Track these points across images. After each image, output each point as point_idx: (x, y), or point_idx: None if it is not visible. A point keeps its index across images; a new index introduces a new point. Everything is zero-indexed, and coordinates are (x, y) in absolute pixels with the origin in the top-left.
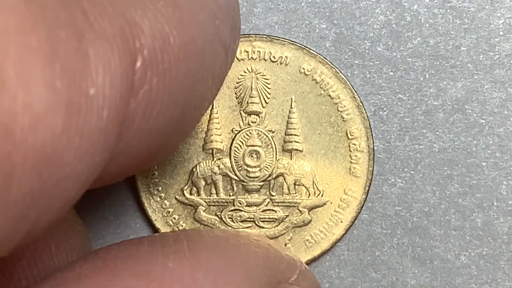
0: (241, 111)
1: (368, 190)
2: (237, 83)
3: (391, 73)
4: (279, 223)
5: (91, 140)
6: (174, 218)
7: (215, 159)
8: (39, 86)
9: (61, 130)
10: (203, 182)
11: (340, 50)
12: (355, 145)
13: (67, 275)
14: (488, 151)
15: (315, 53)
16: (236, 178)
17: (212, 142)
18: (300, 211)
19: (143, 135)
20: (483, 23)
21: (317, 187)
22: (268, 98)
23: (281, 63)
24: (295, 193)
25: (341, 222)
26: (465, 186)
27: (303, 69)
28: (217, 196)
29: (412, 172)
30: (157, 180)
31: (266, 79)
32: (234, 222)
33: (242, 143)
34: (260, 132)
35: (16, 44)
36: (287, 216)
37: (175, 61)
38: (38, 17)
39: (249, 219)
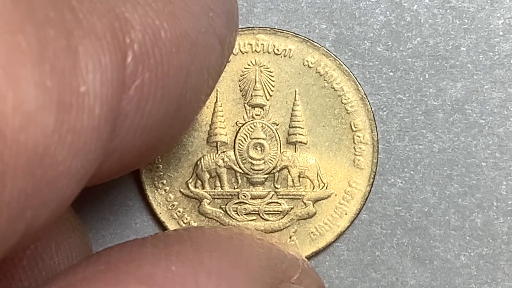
0: (245, 104)
1: (373, 182)
2: (241, 76)
3: (391, 73)
4: (284, 216)
5: (84, 137)
6: (179, 211)
7: (219, 152)
8: (29, 86)
9: (53, 128)
10: (207, 175)
11: (340, 50)
12: (359, 137)
13: (70, 278)
14: (487, 151)
15: (319, 46)
16: (240, 171)
17: (216, 135)
18: (305, 204)
19: (138, 130)
20: (482, 24)
21: (321, 180)
22: (272, 90)
23: (284, 56)
24: (300, 186)
25: (346, 214)
26: (464, 186)
27: (307, 61)
28: (222, 189)
29: (412, 172)
30: (161, 173)
31: (270, 71)
32: (238, 215)
33: (246, 136)
34: (264, 125)
35: (5, 44)
36: (291, 208)
37: (167, 54)
38: (26, 17)
39: (253, 212)
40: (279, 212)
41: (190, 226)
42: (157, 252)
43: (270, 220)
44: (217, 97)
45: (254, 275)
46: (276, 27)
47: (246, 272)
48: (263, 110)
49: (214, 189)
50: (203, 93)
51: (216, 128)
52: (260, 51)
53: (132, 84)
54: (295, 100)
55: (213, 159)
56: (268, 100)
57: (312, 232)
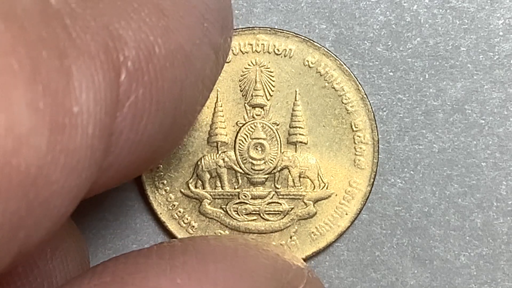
0: (246, 104)
1: (373, 182)
2: (241, 76)
3: (391, 74)
4: (284, 216)
5: (77, 157)
6: (180, 212)
7: (219, 152)
8: (21, 108)
9: (46, 150)
10: (208, 175)
11: (339, 50)
12: (359, 137)
13: None
14: (487, 151)
15: (319, 46)
16: (241, 171)
17: (216, 135)
18: (305, 204)
19: (133, 146)
20: (482, 24)
21: (322, 180)
22: (273, 90)
23: (285, 56)
24: (300, 186)
25: (346, 214)
26: (464, 186)
27: (307, 61)
28: (222, 189)
29: (411, 172)
30: (162, 173)
31: (270, 71)
32: (239, 215)
33: (247, 136)
34: (264, 125)
35: None
36: (292, 208)
37: (161, 70)
38: (19, 38)
39: (254, 212)
40: (280, 212)
41: (195, 236)
42: (162, 264)
43: (271, 220)
44: (217, 97)
45: (259, 286)
46: (276, 27)
47: (251, 283)
48: (264, 110)
49: (215, 189)
50: (198, 103)
51: (217, 128)
52: (260, 51)
53: (126, 101)
54: (295, 100)
55: (213, 159)
56: (268, 100)
57: (312, 232)
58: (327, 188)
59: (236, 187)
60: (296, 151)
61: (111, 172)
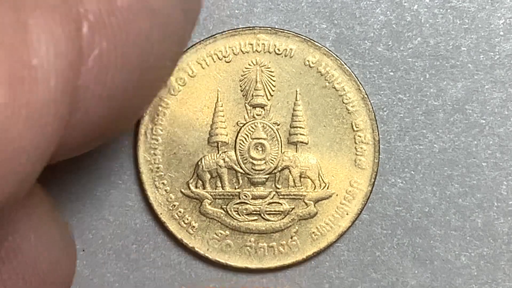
0: (246, 104)
1: (374, 182)
2: (241, 75)
3: (391, 73)
4: (285, 216)
5: (39, 111)
6: (180, 212)
7: (220, 152)
8: None
9: (5, 103)
10: (208, 175)
11: (340, 50)
12: (360, 137)
13: None
14: (488, 151)
15: (320, 45)
16: (241, 171)
17: (217, 135)
18: (306, 204)
19: (101, 101)
20: (483, 23)
21: (322, 180)
22: (273, 90)
23: (285, 56)
24: (301, 186)
25: (347, 214)
26: (465, 186)
27: (308, 61)
28: (223, 189)
29: (412, 172)
30: (162, 173)
31: (271, 71)
32: (239, 215)
33: (247, 136)
34: (265, 125)
35: None
36: (292, 208)
37: (124, 22)
38: None
39: (254, 212)
40: (280, 212)
41: None
42: None
43: (271, 220)
44: (218, 97)
45: None
46: (276, 27)
47: None
48: (264, 110)
49: (215, 189)
50: (167, 59)
51: (217, 128)
52: (261, 51)
53: (90, 54)
54: (296, 100)
55: (214, 159)
56: (269, 100)
57: (313, 232)
58: (327, 188)
59: (236, 187)
60: (296, 151)
61: (80, 130)
